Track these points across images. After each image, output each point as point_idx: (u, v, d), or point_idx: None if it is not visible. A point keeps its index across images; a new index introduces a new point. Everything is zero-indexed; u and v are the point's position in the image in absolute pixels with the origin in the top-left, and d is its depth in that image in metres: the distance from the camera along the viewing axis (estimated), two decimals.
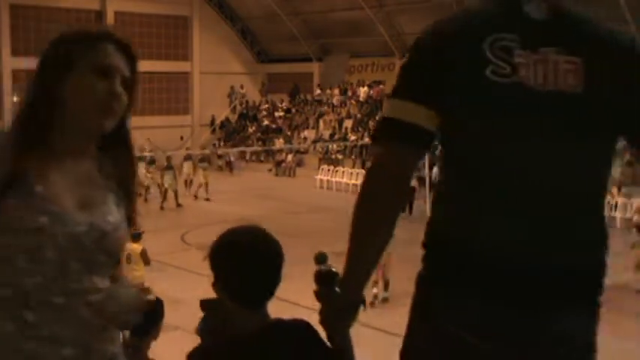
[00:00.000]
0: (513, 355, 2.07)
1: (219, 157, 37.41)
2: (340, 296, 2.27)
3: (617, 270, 15.91)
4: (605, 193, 2.18)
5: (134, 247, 12.61)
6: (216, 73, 40.51)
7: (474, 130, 2.06)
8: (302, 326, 2.55)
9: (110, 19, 37.21)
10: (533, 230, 2.03)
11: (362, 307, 2.29)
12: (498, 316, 2.05)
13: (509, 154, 2.03)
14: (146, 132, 35.88)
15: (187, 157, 29.73)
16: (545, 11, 2.10)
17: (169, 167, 26.96)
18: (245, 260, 2.47)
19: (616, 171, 24.93)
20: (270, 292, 2.48)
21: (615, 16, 26.44)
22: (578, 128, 2.02)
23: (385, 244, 2.21)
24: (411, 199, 25.06)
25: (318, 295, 2.36)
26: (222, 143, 39.31)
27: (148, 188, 27.49)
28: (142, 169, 28.20)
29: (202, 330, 2.81)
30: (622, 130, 2.11)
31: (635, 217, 18.41)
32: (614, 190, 23.35)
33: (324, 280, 2.34)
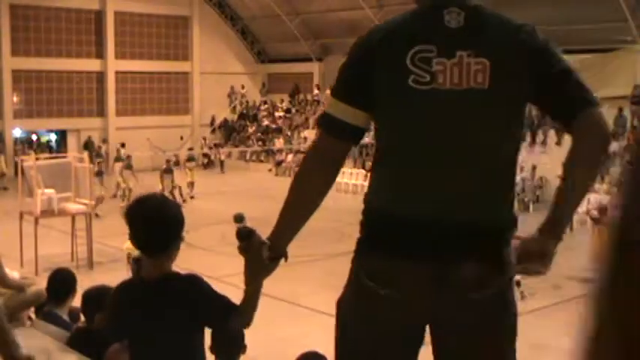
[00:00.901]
0: (420, 302, 2.46)
1: (205, 155, 37.46)
2: (259, 249, 2.70)
3: None
4: (509, 166, 2.55)
5: (133, 248, 12.59)
6: (216, 73, 40.50)
7: (396, 124, 2.50)
8: (192, 277, 3.21)
9: (110, 19, 37.20)
10: (439, 193, 2.44)
11: (283, 260, 2.73)
12: (406, 269, 2.44)
13: (421, 137, 2.46)
14: (146, 132, 35.96)
15: (190, 159, 29.65)
16: (463, 20, 2.44)
17: (169, 170, 26.75)
18: (138, 220, 3.17)
19: (616, 171, 24.97)
20: (163, 246, 3.13)
21: (615, 17, 26.47)
22: (484, 116, 2.44)
23: (307, 211, 2.66)
24: None
25: (240, 249, 2.76)
26: (207, 142, 39.31)
27: (130, 190, 27.12)
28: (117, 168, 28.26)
29: (132, 271, 4.64)
30: (525, 107, 2.59)
31: (593, 212, 18.67)
32: (615, 189, 23.38)
33: (243, 236, 2.75)
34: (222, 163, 36.62)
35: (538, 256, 2.45)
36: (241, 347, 5.54)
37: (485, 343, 2.55)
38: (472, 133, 2.45)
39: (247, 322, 3.16)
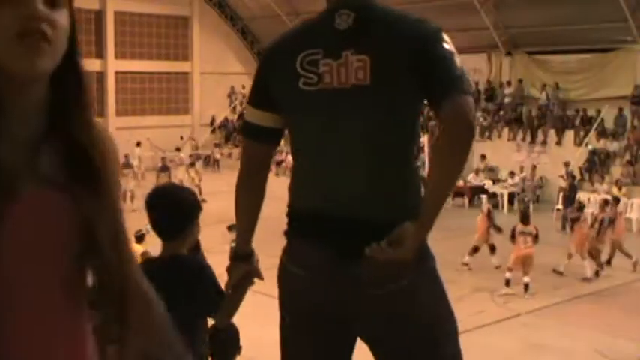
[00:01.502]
0: (324, 281, 2.67)
1: (191, 156, 37.40)
2: (232, 249, 3.06)
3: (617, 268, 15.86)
4: (401, 163, 2.65)
5: (137, 249, 12.61)
6: (217, 73, 40.49)
7: (296, 126, 2.75)
8: (195, 260, 3.61)
9: (110, 18, 37.20)
10: (332, 191, 2.64)
11: (254, 258, 3.05)
12: (313, 254, 2.69)
13: (315, 137, 2.66)
14: (146, 132, 35.96)
15: (192, 164, 29.51)
16: (352, 21, 2.55)
17: (165, 169, 26.80)
18: (154, 206, 3.51)
19: (616, 171, 24.99)
20: (176, 231, 3.47)
21: (615, 17, 26.46)
22: (367, 112, 2.54)
23: (249, 208, 2.97)
24: None
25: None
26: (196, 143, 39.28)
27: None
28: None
29: None
30: (416, 100, 2.60)
31: (573, 213, 18.76)
32: (615, 189, 23.38)
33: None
34: (216, 162, 36.55)
35: (397, 240, 2.45)
36: (237, 348, 5.56)
37: (400, 336, 2.67)
38: (356, 130, 2.57)
39: (226, 322, 3.38)
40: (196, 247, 3.83)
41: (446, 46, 2.54)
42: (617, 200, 19.04)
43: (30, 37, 1.50)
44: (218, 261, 11.06)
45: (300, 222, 2.80)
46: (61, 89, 1.59)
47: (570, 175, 24.55)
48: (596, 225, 16.98)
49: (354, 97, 2.53)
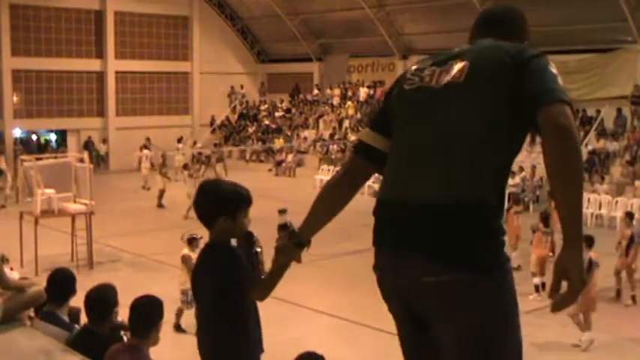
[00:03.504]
0: (392, 279, 2.81)
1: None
2: (288, 236, 3.26)
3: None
4: (486, 156, 2.69)
5: (183, 251, 12.74)
6: (216, 73, 40.50)
7: (397, 123, 2.91)
8: (229, 249, 3.77)
9: (110, 18, 37.19)
10: (409, 176, 2.77)
11: (305, 248, 3.25)
12: (381, 254, 2.84)
13: (405, 130, 2.86)
14: (146, 132, 35.96)
15: (219, 159, 29.44)
16: (468, 46, 2.92)
17: (164, 166, 27.11)
18: (196, 197, 3.88)
19: (616, 170, 24.98)
20: (209, 220, 3.79)
21: (615, 17, 26.46)
22: (452, 108, 2.72)
23: (328, 211, 3.19)
24: None
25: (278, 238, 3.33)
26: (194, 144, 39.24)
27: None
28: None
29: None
30: (506, 105, 2.69)
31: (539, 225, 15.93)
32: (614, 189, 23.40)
33: (280, 227, 3.36)
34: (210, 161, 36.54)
35: (562, 272, 2.49)
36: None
37: (455, 325, 2.67)
38: (446, 122, 2.73)
39: (263, 297, 3.60)
40: (248, 237, 3.90)
41: (543, 62, 2.77)
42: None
43: None
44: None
45: (376, 218, 2.90)
46: None
47: None
48: (624, 242, 15.08)
49: (445, 94, 2.75)
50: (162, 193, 25.87)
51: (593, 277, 11.96)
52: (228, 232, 3.83)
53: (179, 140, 37.04)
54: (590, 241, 12.25)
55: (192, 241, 12.58)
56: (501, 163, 2.79)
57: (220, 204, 3.81)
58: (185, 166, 26.54)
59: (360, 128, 34.72)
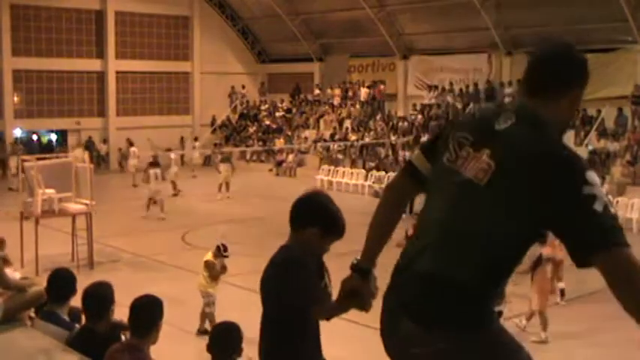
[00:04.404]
0: (386, 341, 2.94)
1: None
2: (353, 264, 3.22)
3: None
4: (490, 251, 2.68)
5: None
6: (217, 73, 40.50)
7: (428, 193, 3.04)
8: (286, 263, 3.81)
9: (111, 18, 37.20)
10: (418, 245, 2.88)
11: (372, 275, 3.21)
12: (382, 314, 2.94)
13: (431, 204, 2.94)
14: (147, 132, 35.95)
15: (225, 159, 29.34)
16: (510, 123, 2.76)
17: (155, 164, 27.06)
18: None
19: (617, 170, 24.97)
20: (294, 227, 3.96)
21: (616, 17, 26.46)
22: (474, 204, 2.72)
23: (382, 228, 3.19)
24: (411, 199, 25.10)
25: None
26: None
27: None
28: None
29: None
30: (524, 217, 2.62)
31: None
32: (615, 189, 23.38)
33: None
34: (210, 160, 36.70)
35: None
36: (237, 349, 5.59)
37: None
38: (451, 214, 2.80)
39: (322, 319, 3.72)
40: (319, 267, 3.99)
41: (591, 189, 2.50)
42: None
43: None
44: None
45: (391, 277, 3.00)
46: None
47: None
48: None
49: (464, 190, 2.77)
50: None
51: (543, 272, 12.54)
52: (309, 245, 3.86)
53: (196, 139, 37.94)
54: (542, 238, 12.36)
55: (220, 250, 12.43)
56: (504, 257, 2.76)
57: (323, 216, 3.85)
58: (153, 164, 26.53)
59: (360, 128, 34.76)
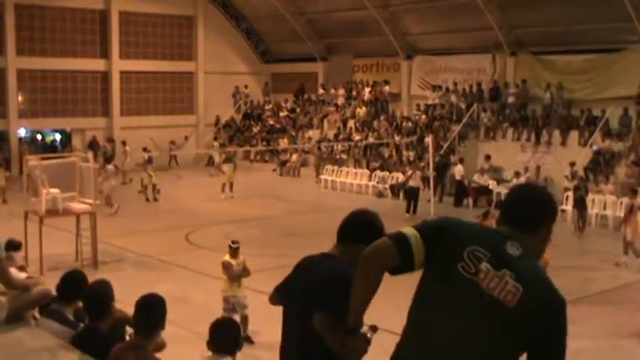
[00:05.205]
0: None
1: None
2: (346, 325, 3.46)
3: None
4: None
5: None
6: (221, 73, 40.51)
7: (434, 286, 3.18)
8: (331, 272, 3.84)
9: (115, 18, 37.23)
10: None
11: (370, 333, 3.51)
12: None
13: (440, 309, 3.11)
14: (150, 131, 36.02)
15: (227, 160, 29.42)
16: (518, 254, 3.12)
17: (150, 161, 27.63)
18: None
19: (621, 171, 24.92)
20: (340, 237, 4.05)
21: (621, 17, 26.42)
22: (494, 324, 3.01)
23: (369, 295, 3.30)
24: (415, 199, 25.10)
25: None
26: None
27: (146, 187, 27.57)
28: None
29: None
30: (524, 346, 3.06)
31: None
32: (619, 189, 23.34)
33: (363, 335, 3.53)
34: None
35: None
36: (238, 345, 5.62)
37: None
38: (469, 329, 3.04)
39: (322, 329, 3.70)
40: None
41: (565, 325, 3.08)
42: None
43: None
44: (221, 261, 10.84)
45: None
46: None
47: (579, 177, 24.40)
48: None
49: (493, 308, 3.02)
50: (146, 188, 26.96)
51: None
52: (354, 257, 3.75)
53: (215, 139, 38.46)
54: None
55: (235, 250, 12.41)
56: None
57: (374, 235, 3.72)
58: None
59: (364, 128, 34.74)
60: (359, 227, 3.98)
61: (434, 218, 3.38)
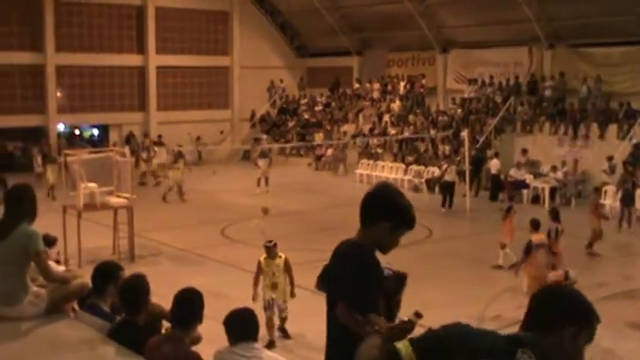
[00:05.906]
0: None
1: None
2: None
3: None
4: None
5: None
6: (256, 68, 40.63)
7: None
8: (344, 254, 3.90)
9: (151, 14, 37.52)
10: None
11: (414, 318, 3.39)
12: None
13: None
14: (187, 126, 36.29)
15: (263, 155, 29.49)
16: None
17: (180, 156, 27.55)
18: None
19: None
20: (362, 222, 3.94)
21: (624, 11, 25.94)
22: None
23: None
24: (450, 193, 24.97)
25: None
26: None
27: (170, 188, 27.20)
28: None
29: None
30: None
31: None
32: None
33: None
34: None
35: None
36: (254, 333, 5.69)
37: None
38: None
39: (348, 322, 3.71)
40: (402, 279, 3.96)
41: None
42: None
43: None
44: (256, 255, 11.04)
45: None
46: None
47: (627, 171, 24.05)
48: None
49: None
50: (170, 189, 26.40)
51: (534, 257, 13.25)
52: (379, 239, 3.81)
53: (266, 132, 38.92)
54: (535, 224, 13.81)
55: (270, 249, 11.98)
56: None
57: (395, 210, 3.75)
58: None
59: (399, 123, 34.62)
60: (374, 206, 3.84)
61: (437, 331, 3.07)
